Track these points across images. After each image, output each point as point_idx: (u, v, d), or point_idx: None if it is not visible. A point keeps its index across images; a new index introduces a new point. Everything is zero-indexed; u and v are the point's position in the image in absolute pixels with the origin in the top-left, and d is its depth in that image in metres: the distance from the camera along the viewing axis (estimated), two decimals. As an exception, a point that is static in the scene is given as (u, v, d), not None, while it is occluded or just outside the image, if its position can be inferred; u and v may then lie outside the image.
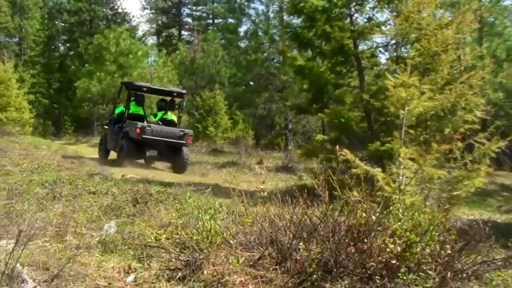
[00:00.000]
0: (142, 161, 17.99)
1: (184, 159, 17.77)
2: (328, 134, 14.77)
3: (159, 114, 18.86)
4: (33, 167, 12.97)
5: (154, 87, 20.82)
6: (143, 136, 16.78)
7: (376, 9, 13.26)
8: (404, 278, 4.45)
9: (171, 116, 18.94)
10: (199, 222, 5.77)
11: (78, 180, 10.82)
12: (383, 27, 12.87)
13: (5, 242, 5.68)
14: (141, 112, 18.82)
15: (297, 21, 15.16)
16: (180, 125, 19.76)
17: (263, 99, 32.76)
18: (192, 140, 18.94)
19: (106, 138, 19.60)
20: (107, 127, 20.52)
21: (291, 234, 5.11)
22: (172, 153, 17.71)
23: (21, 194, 8.73)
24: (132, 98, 18.75)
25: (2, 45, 50.62)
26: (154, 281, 4.79)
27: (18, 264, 4.61)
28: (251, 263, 4.95)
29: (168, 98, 19.44)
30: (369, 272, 4.56)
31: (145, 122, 17.94)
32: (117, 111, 19.65)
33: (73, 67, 51.19)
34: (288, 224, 5.30)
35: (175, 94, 19.34)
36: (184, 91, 20.39)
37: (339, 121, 12.54)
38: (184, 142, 17.64)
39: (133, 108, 18.63)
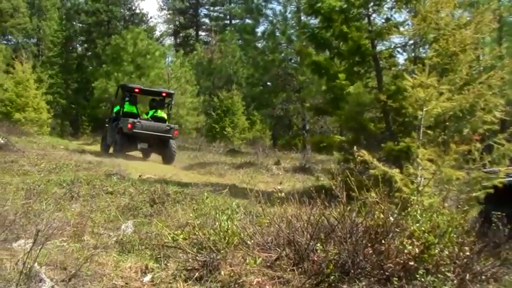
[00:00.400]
0: (139, 154, 20.11)
1: (172, 151, 20.09)
2: (345, 135, 14.72)
3: (151, 112, 21.29)
4: (51, 167, 13.04)
5: (145, 88, 23.56)
6: (134, 130, 19.08)
7: (394, 9, 13.21)
8: (423, 279, 4.42)
9: (161, 113, 21.12)
10: (217, 223, 5.77)
11: (95, 180, 10.86)
12: (401, 28, 12.83)
13: (23, 242, 5.70)
14: (134, 110, 21.26)
15: (314, 21, 15.14)
16: (170, 121, 21.63)
17: (280, 99, 32.70)
18: (178, 133, 21.18)
19: (107, 135, 21.94)
20: (107, 125, 22.65)
21: (308, 235, 5.09)
22: (161, 146, 20.01)
23: (39, 193, 8.77)
24: (127, 99, 21.33)
25: (20, 46, 50.97)
26: (171, 281, 4.79)
27: (36, 264, 4.62)
28: (268, 264, 4.94)
29: (158, 98, 21.95)
30: (386, 273, 4.54)
31: (138, 119, 20.24)
32: (114, 110, 22.18)
33: (91, 67, 51.47)
34: (306, 225, 5.29)
35: (164, 94, 21.98)
36: (172, 91, 23.29)
37: (355, 122, 12.52)
38: (170, 135, 20.06)
39: (128, 107, 21.07)
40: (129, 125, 19.09)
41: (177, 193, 9.55)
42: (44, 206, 7.66)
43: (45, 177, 11.15)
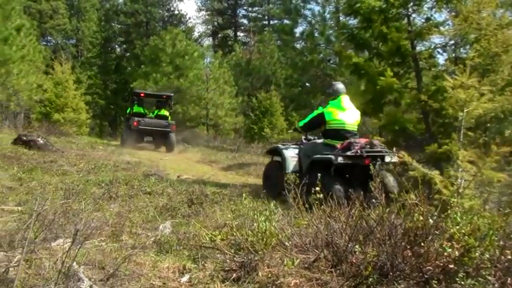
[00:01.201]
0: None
1: (172, 142, 24.64)
2: (385, 136, 14.61)
3: (155, 111, 26.24)
4: (89, 167, 13.18)
5: (149, 92, 29.25)
6: (139, 127, 23.88)
7: (434, 9, 13.08)
8: (462, 283, 4.36)
9: (164, 112, 25.97)
10: (255, 224, 5.77)
11: (134, 181, 10.95)
12: (441, 28, 12.70)
13: (61, 241, 5.76)
14: (142, 110, 25.77)
15: (353, 22, 15.07)
16: (172, 118, 26.52)
17: (319, 100, 32.46)
18: (175, 128, 25.36)
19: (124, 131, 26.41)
20: (124, 123, 28.41)
21: (346, 237, 5.07)
22: (163, 138, 24.69)
23: (78, 193, 8.87)
24: (135, 101, 25.98)
25: (59, 47, 51.68)
26: (208, 282, 4.80)
27: (74, 263, 4.66)
28: (306, 265, 4.93)
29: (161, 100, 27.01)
30: (425, 276, 4.49)
31: (143, 117, 24.83)
32: (128, 111, 26.69)
33: (129, 68, 51.95)
34: (344, 227, 5.26)
35: (165, 97, 27.06)
36: (171, 94, 27.95)
37: (395, 123, 12.42)
38: (169, 130, 24.54)
39: (136, 108, 25.62)
40: (135, 123, 23.87)
41: (215, 194, 9.59)
42: (82, 206, 7.74)
43: (84, 177, 11.27)
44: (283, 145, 12.05)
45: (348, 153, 9.65)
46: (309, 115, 11.25)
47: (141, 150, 22.46)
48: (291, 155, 11.32)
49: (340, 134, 10.35)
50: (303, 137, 11.46)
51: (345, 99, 10.76)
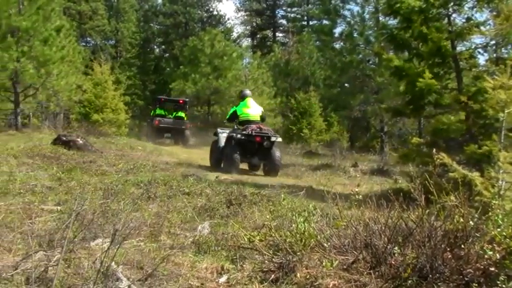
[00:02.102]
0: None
1: (186, 137, 30.32)
2: (424, 137, 14.46)
3: (174, 113, 31.95)
4: (128, 168, 13.30)
5: (168, 98, 35.20)
6: (160, 125, 29.98)
7: (475, 9, 12.91)
8: (504, 286, 4.31)
9: (181, 113, 31.80)
10: (293, 225, 5.78)
11: (172, 181, 11.00)
12: (482, 28, 12.53)
13: (100, 241, 5.82)
14: (163, 112, 31.64)
15: (393, 22, 14.98)
16: (187, 118, 32.38)
17: (358, 101, 32.38)
18: (189, 126, 31.37)
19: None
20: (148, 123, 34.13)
21: (385, 238, 5.04)
22: (179, 135, 30.37)
23: (117, 193, 8.95)
24: (157, 105, 32.03)
25: (98, 47, 52.22)
26: (247, 283, 4.81)
27: (113, 263, 4.71)
28: (345, 267, 4.91)
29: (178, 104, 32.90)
30: (466, 279, 4.45)
31: (163, 118, 30.85)
32: (151, 113, 32.76)
33: (168, 69, 52.34)
34: (383, 228, 5.24)
35: (181, 101, 32.75)
36: (187, 99, 33.97)
37: (436, 124, 12.31)
38: (184, 127, 30.56)
39: (158, 111, 31.59)
40: (156, 122, 30.08)
41: (254, 194, 9.58)
42: (121, 206, 7.81)
43: (123, 178, 11.37)
44: (221, 129, 17.88)
45: (243, 132, 15.79)
46: (230, 112, 17.96)
47: (180, 151, 22.55)
48: (224, 135, 17.05)
49: (246, 122, 16.52)
50: (235, 126, 16.92)
51: (250, 100, 17.18)
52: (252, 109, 16.91)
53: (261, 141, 15.83)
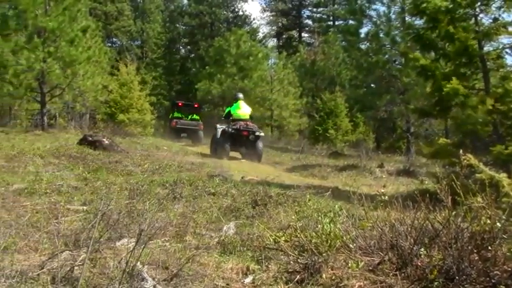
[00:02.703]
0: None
1: (200, 137, 32.18)
2: (451, 138, 14.36)
3: (189, 116, 34.14)
4: (154, 168, 13.36)
5: (184, 102, 36.51)
6: (177, 126, 32.53)
7: (502, 9, 12.80)
8: (531, 288, 4.28)
9: (196, 116, 34.34)
10: (319, 225, 5.76)
11: (198, 182, 11.03)
12: (510, 28, 12.43)
13: (126, 241, 5.86)
14: (180, 115, 33.87)
15: (419, 22, 14.89)
16: (201, 120, 34.40)
17: (384, 101, 32.15)
18: (202, 127, 32.96)
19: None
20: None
21: (412, 240, 5.02)
22: (194, 134, 32.68)
23: (143, 194, 9.00)
24: (175, 108, 34.73)
25: (124, 48, 52.50)
26: (272, 283, 4.81)
27: (138, 263, 4.74)
28: (370, 268, 4.89)
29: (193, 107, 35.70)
30: (493, 280, 4.41)
31: (180, 120, 33.25)
32: (170, 116, 34.88)
33: (194, 69, 52.43)
34: (409, 229, 5.21)
35: (196, 105, 35.72)
36: (199, 104, 37.01)
37: (463, 124, 12.22)
38: (198, 128, 32.94)
39: (176, 114, 33.94)
40: (174, 123, 32.78)
41: (280, 195, 9.57)
42: (147, 206, 7.84)
43: (149, 178, 11.42)
44: (220, 125, 21.52)
45: (234, 127, 20.67)
46: (226, 111, 22.65)
47: (206, 151, 22.63)
48: (221, 129, 21.09)
49: (237, 120, 21.32)
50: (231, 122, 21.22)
51: (241, 103, 22.12)
52: (243, 110, 22.08)
53: (247, 134, 21.02)
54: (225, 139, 20.81)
